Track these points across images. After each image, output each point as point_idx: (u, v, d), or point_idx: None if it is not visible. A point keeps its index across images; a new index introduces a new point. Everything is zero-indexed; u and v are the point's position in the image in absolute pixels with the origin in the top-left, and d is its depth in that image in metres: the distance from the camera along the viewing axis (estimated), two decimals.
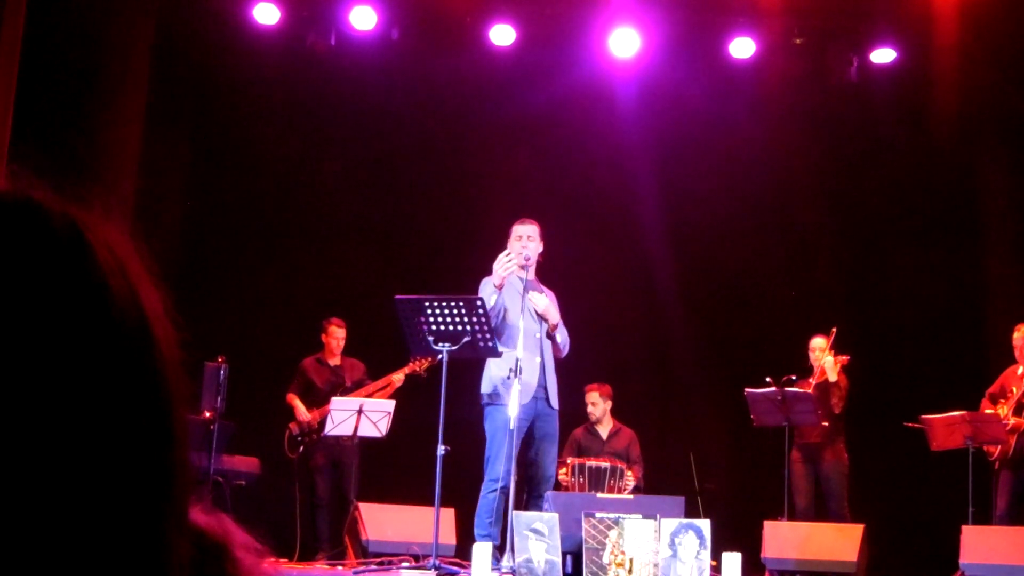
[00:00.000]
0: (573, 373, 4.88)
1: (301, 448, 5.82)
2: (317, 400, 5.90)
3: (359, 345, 6.10)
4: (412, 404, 5.66)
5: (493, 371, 4.32)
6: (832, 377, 5.69)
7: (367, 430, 5.43)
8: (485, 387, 4.39)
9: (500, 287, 4.17)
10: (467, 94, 6.79)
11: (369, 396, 5.73)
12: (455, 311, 4.01)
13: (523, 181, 6.81)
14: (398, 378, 5.85)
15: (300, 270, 6.82)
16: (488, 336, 4.03)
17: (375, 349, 5.92)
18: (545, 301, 4.35)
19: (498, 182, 6.85)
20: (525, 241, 4.46)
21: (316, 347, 6.14)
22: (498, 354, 4.19)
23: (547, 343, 4.42)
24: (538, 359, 4.33)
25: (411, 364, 5.78)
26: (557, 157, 6.95)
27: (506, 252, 4.19)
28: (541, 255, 4.52)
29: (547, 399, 4.35)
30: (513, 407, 3.97)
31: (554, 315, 4.36)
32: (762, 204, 6.88)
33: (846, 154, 6.81)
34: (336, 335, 6.08)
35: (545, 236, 4.56)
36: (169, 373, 0.54)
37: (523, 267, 4.32)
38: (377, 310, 5.53)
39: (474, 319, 4.00)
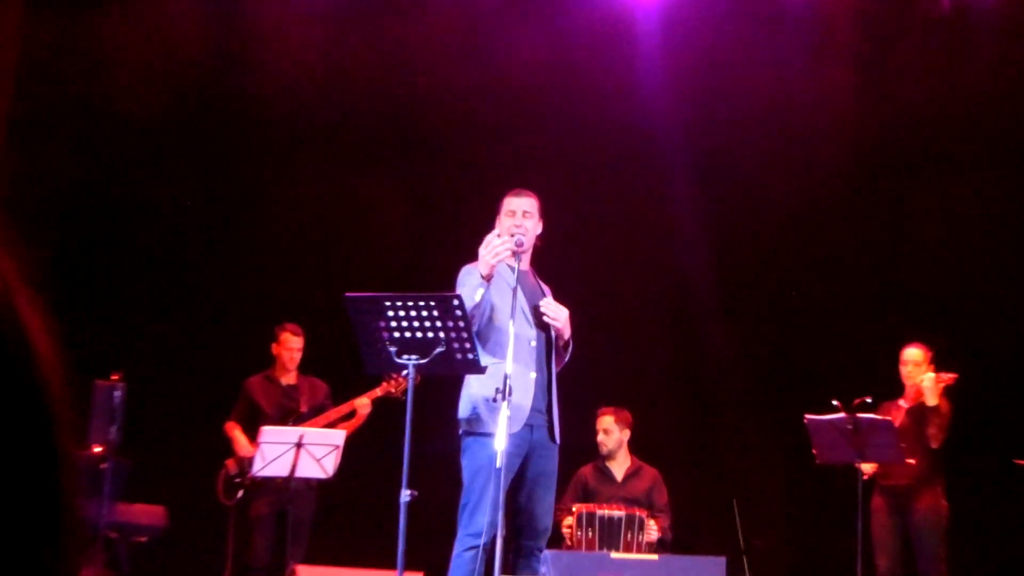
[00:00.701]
0: (577, 395, 4.83)
1: (240, 493, 5.87)
2: (262, 428, 5.85)
3: (322, 360, 6.17)
4: (369, 435, 5.66)
5: (475, 390, 4.21)
6: (931, 401, 5.62)
7: (308, 470, 5.36)
8: (464, 411, 4.28)
9: (488, 278, 4.06)
10: (443, 38, 6.83)
11: (330, 426, 5.73)
12: (425, 313, 3.88)
13: (518, 149, 6.86)
14: (362, 403, 5.87)
15: (240, 265, 6.91)
16: (468, 346, 3.91)
17: (342, 365, 5.87)
18: (564, 315, 4.27)
19: (485, 150, 6.92)
20: (519, 219, 4.35)
21: (265, 362, 6.16)
22: (481, 369, 4.07)
23: (546, 354, 4.32)
24: (533, 375, 4.22)
25: (385, 384, 5.81)
26: (560, 117, 7.01)
27: (496, 232, 4.09)
28: (539, 238, 4.41)
29: (548, 428, 4.27)
30: (500, 438, 3.85)
31: (567, 328, 4.30)
32: (826, 181, 6.89)
33: (935, 115, 6.78)
34: (290, 345, 6.09)
35: (546, 214, 4.46)
36: (53, 398, 0.55)
37: (515, 254, 4.17)
38: (341, 315, 5.56)
39: (450, 323, 3.87)
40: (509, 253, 3.98)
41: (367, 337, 3.93)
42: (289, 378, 6.17)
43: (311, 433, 5.46)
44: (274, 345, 6.21)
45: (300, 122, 7.02)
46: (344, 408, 5.95)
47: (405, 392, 5.59)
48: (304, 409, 6.00)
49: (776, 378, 6.84)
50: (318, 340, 6.19)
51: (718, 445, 6.94)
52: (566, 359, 4.36)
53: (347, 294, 3.96)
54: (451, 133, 6.97)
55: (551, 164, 6.75)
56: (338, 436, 5.44)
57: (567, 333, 4.27)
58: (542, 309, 4.21)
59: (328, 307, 6.14)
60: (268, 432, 5.42)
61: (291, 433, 5.42)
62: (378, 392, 5.94)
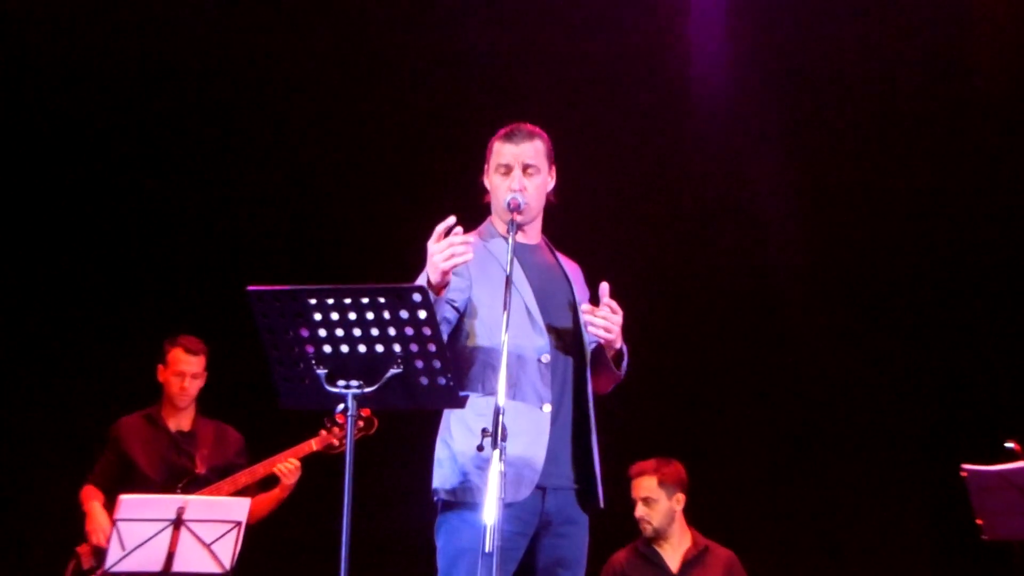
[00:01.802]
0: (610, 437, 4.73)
1: None
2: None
3: (241, 392, 6.37)
4: (297, 503, 5.91)
5: (471, 447, 4.06)
6: None
7: (193, 562, 5.31)
8: (441, 473, 4.21)
9: (439, 290, 3.93)
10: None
11: (236, 492, 5.85)
12: (371, 315, 3.77)
13: (514, 89, 7.23)
14: (287, 467, 5.97)
15: (111, 249, 7.33)
16: (439, 364, 3.81)
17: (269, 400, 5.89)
18: (619, 321, 4.15)
19: (475, 87, 7.30)
20: (517, 174, 4.28)
21: (146, 394, 6.24)
22: (459, 400, 3.92)
23: (574, 375, 4.28)
24: (548, 407, 4.18)
25: (325, 432, 5.98)
26: (571, 47, 7.44)
27: (444, 227, 3.88)
28: (553, 194, 4.37)
29: (580, 493, 4.24)
30: (491, 507, 3.73)
31: (619, 337, 4.21)
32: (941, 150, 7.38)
33: None
34: (182, 368, 6.17)
35: (561, 164, 4.41)
36: None
37: (515, 221, 4.15)
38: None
39: (409, 330, 3.77)
40: (469, 256, 3.88)
41: (282, 353, 3.82)
42: (181, 420, 6.20)
43: (197, 504, 5.34)
44: (160, 368, 6.23)
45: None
46: (260, 470, 6.00)
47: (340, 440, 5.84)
48: (202, 470, 6.05)
49: (913, 410, 7.15)
50: (235, 362, 6.28)
51: (824, 511, 7.13)
52: (621, 376, 4.34)
53: (251, 288, 3.82)
54: (419, 62, 7.55)
55: (560, 105, 7.20)
56: (238, 507, 5.36)
57: (619, 343, 4.24)
58: (585, 318, 4.14)
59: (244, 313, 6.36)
60: (128, 504, 5.28)
61: (166, 505, 5.29)
62: (313, 445, 5.99)
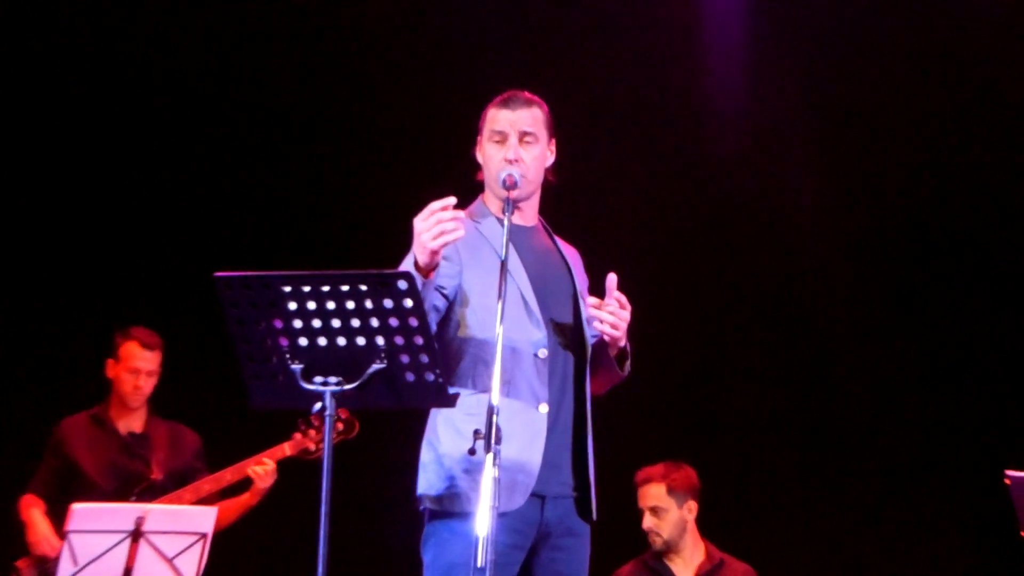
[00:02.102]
0: (611, 434, 4.76)
1: None
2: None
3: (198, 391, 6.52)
4: (270, 513, 6.02)
5: (459, 449, 4.12)
6: None
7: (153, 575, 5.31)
8: (426, 478, 4.23)
9: (428, 272, 3.92)
10: None
11: (200, 503, 5.87)
12: (351, 304, 3.77)
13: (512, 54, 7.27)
14: (261, 470, 6.01)
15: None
16: (426, 358, 3.80)
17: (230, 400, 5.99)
18: (626, 317, 4.18)
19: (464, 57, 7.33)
20: (513, 143, 4.27)
21: (92, 394, 6.29)
22: (448, 399, 3.95)
23: (574, 372, 4.30)
24: (544, 408, 4.19)
25: (299, 435, 6.03)
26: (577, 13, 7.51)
27: (442, 206, 3.85)
28: (552, 171, 4.36)
29: (578, 500, 4.27)
30: (484, 517, 3.74)
31: (624, 335, 4.24)
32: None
33: None
34: (136, 364, 6.17)
35: (561, 137, 4.41)
36: None
37: (511, 199, 4.15)
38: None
39: (394, 321, 3.76)
40: (460, 233, 3.88)
41: (253, 347, 3.82)
42: (132, 421, 6.19)
43: (158, 515, 5.34)
44: (110, 364, 6.22)
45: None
46: (228, 476, 5.99)
47: (318, 444, 5.93)
48: (158, 475, 6.05)
49: (951, 414, 7.17)
50: (191, 356, 6.33)
51: (852, 521, 7.16)
52: (624, 377, 4.36)
53: (218, 274, 3.81)
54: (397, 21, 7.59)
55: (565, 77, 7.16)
56: (204, 518, 5.36)
57: (624, 340, 4.26)
58: (591, 312, 4.15)
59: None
60: (82, 514, 5.28)
61: (123, 514, 5.27)
62: (287, 449, 6.00)
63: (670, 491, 6.09)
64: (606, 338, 4.18)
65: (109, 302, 6.92)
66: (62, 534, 5.58)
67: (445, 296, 4.12)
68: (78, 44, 7.47)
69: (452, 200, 3.86)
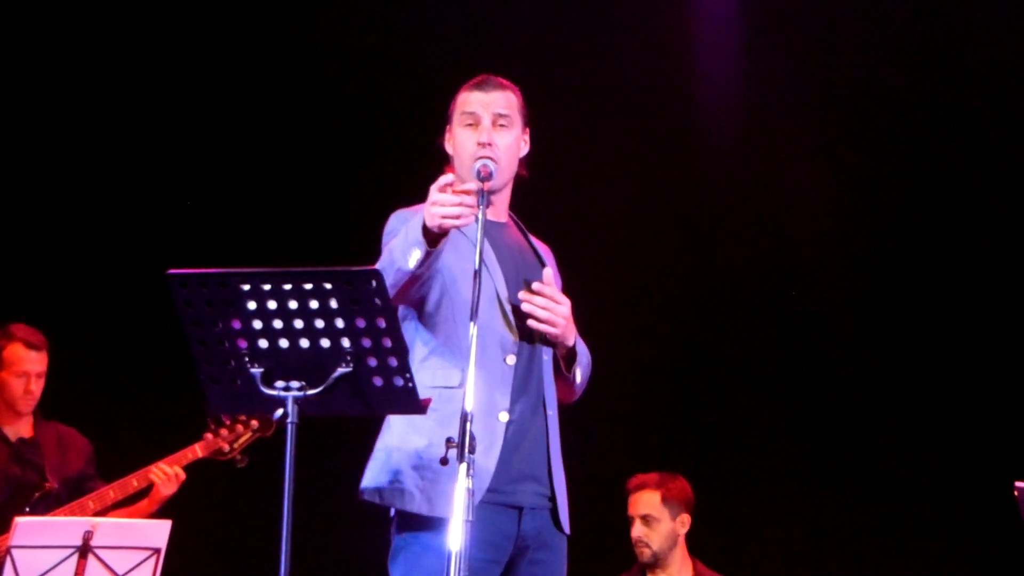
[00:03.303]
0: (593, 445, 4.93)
1: None
2: None
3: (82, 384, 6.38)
4: (224, 518, 5.86)
5: (409, 442, 4.11)
6: None
7: None
8: (370, 471, 4.18)
9: (435, 241, 3.91)
10: None
11: (103, 512, 5.79)
12: (315, 303, 3.74)
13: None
14: (163, 474, 5.88)
15: None
16: (395, 362, 3.77)
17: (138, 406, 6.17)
18: (563, 311, 4.13)
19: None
20: (486, 125, 4.21)
21: None
22: (419, 406, 3.87)
23: (546, 377, 4.24)
24: (504, 416, 4.13)
25: (210, 435, 5.90)
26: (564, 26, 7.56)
27: (447, 180, 3.90)
28: (525, 162, 4.29)
29: (551, 509, 4.22)
30: (457, 527, 3.72)
31: (571, 332, 4.19)
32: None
33: None
34: (23, 366, 6.03)
35: (536, 126, 4.34)
36: None
37: (485, 192, 4.03)
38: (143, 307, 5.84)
39: (361, 322, 3.74)
40: (471, 218, 3.89)
41: (209, 350, 3.78)
42: (21, 426, 6.06)
43: (107, 528, 5.25)
44: None
45: None
46: (134, 483, 5.87)
47: (243, 450, 5.75)
48: (54, 484, 5.92)
49: (957, 423, 7.18)
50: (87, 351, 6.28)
51: (853, 537, 7.15)
52: (577, 389, 4.32)
53: (171, 272, 3.77)
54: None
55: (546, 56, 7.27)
56: (157, 532, 5.29)
57: (572, 340, 4.20)
58: (521, 297, 4.11)
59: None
60: (26, 528, 5.24)
61: (70, 529, 5.20)
62: (198, 451, 5.88)
63: (664, 500, 6.06)
64: (546, 334, 4.10)
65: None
66: None
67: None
68: (35, 35, 7.44)
69: (478, 184, 3.89)
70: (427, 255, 3.89)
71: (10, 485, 5.98)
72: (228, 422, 5.90)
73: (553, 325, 4.06)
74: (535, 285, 4.10)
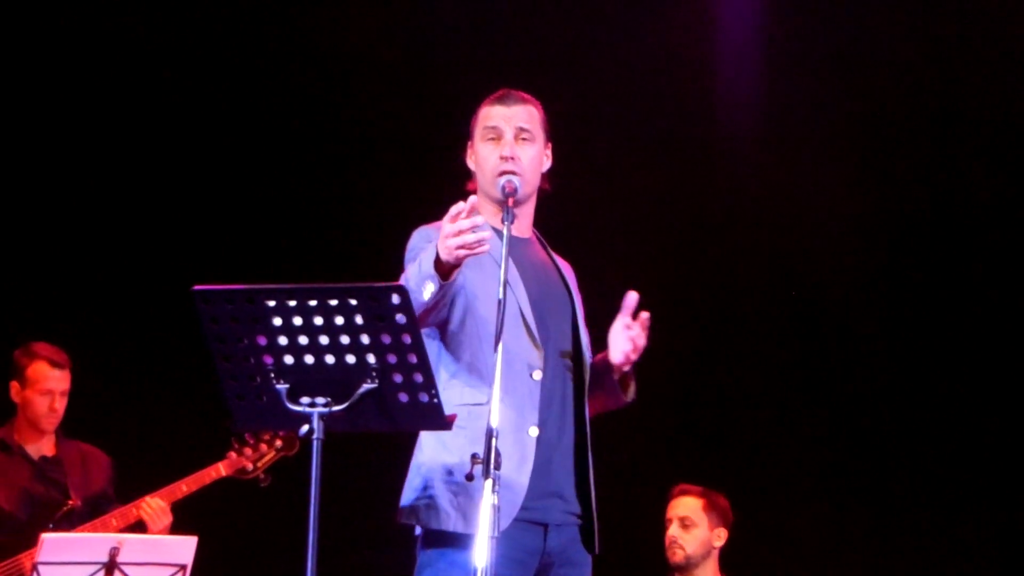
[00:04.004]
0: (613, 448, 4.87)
1: None
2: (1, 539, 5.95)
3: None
4: (250, 534, 5.88)
5: (440, 460, 4.11)
6: None
7: None
8: (410, 498, 4.15)
9: (448, 272, 3.89)
10: None
11: (127, 529, 5.79)
12: (340, 319, 3.73)
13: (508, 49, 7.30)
14: (153, 509, 5.86)
15: None
16: (421, 378, 3.76)
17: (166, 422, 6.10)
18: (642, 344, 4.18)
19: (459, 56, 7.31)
20: (509, 139, 4.20)
21: None
22: (445, 422, 3.86)
23: (574, 396, 4.23)
24: (535, 431, 4.12)
25: (234, 454, 5.92)
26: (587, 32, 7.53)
27: (464, 208, 3.82)
28: (547, 177, 4.29)
29: (580, 526, 4.21)
30: (482, 548, 3.71)
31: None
32: None
33: None
34: (47, 384, 6.01)
35: (557, 142, 4.34)
36: None
37: (510, 208, 4.06)
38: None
39: (386, 338, 3.72)
40: (485, 247, 3.86)
41: (234, 366, 3.77)
42: (43, 444, 6.04)
43: (134, 545, 5.24)
44: (14, 387, 6.04)
45: None
46: (153, 504, 5.87)
47: (267, 469, 5.66)
48: (76, 502, 5.91)
49: (987, 430, 7.20)
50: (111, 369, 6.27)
51: (883, 553, 7.14)
52: (629, 402, 4.32)
53: (196, 288, 3.76)
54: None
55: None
56: (183, 547, 5.28)
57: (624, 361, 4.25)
58: (622, 335, 4.12)
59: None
60: (53, 545, 5.20)
61: (97, 545, 5.18)
62: (222, 470, 5.87)
63: (706, 509, 6.05)
64: (617, 362, 4.13)
65: (2, 316, 6.81)
66: None
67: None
68: (45, 39, 7.43)
69: (473, 200, 3.81)
70: (440, 287, 3.89)
71: (33, 503, 5.97)
72: (252, 441, 5.90)
73: (636, 352, 4.12)
74: (641, 318, 4.10)
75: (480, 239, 3.80)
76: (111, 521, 5.87)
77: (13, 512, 5.93)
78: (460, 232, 3.75)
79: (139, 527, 5.93)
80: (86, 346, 6.38)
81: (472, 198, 3.82)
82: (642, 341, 4.13)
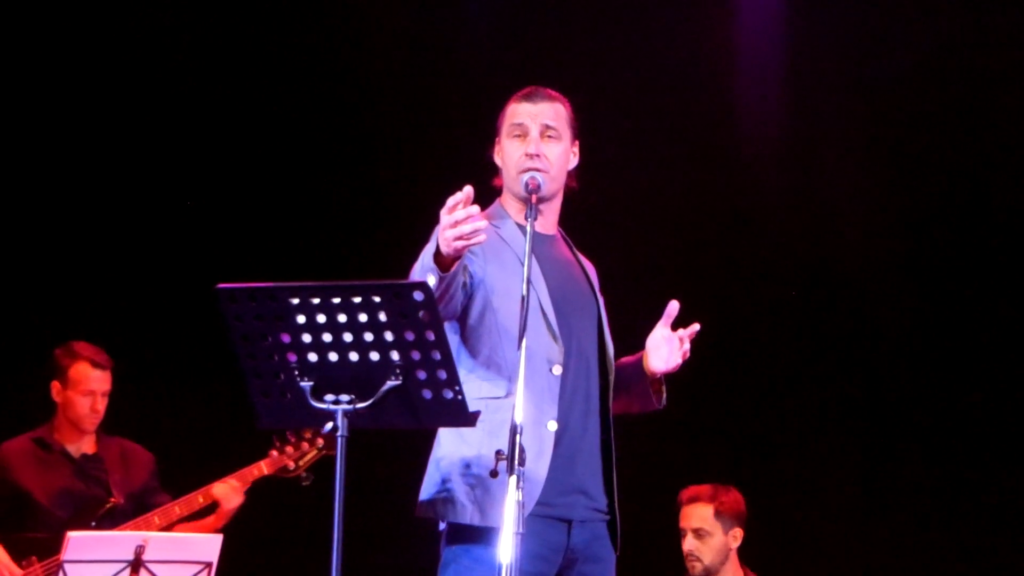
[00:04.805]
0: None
1: None
2: (40, 537, 5.88)
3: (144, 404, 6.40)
4: (276, 538, 5.89)
5: (458, 453, 4.13)
6: None
7: None
8: (424, 484, 4.18)
9: (448, 265, 3.89)
10: None
11: (168, 527, 5.80)
12: (364, 316, 3.72)
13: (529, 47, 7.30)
14: (227, 489, 5.90)
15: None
16: (444, 375, 3.76)
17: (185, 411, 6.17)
18: (667, 357, 4.25)
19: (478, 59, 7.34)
20: (535, 141, 4.21)
21: (36, 414, 6.20)
22: (469, 418, 3.87)
23: (599, 394, 4.25)
24: (553, 425, 4.12)
25: (275, 452, 5.92)
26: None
27: (463, 196, 3.80)
28: (574, 175, 4.29)
29: (607, 522, 4.24)
30: (507, 543, 3.70)
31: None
32: None
33: None
34: (88, 385, 6.02)
35: (584, 137, 4.35)
36: None
37: (535, 204, 4.07)
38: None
39: (408, 334, 3.72)
40: (481, 237, 3.83)
41: (259, 364, 3.77)
42: (83, 443, 6.04)
43: (159, 542, 5.24)
44: (55, 386, 6.03)
45: None
46: (199, 499, 5.87)
47: (309, 470, 5.50)
48: (119, 499, 5.93)
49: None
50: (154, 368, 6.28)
51: (906, 548, 7.12)
52: (660, 408, 4.35)
53: (221, 286, 3.76)
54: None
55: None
56: (209, 545, 5.26)
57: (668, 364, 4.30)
58: (666, 345, 4.21)
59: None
60: (78, 543, 5.19)
61: (122, 543, 5.18)
62: (264, 468, 5.90)
63: (717, 514, 6.00)
64: (657, 370, 4.17)
65: (42, 315, 6.81)
66: (22, 566, 5.64)
67: (467, 285, 4.07)
68: (59, 40, 7.44)
69: (469, 191, 3.77)
70: (441, 280, 3.88)
71: (74, 501, 5.96)
72: (293, 439, 5.91)
73: (675, 365, 4.17)
74: (681, 332, 4.16)
75: (476, 229, 3.77)
76: (153, 519, 5.87)
77: (54, 510, 5.92)
78: (456, 223, 3.74)
79: (179, 526, 5.93)
80: (127, 345, 6.41)
81: (467, 187, 3.80)
82: (687, 352, 4.18)
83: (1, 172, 7.34)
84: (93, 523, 5.83)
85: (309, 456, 5.84)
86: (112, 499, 5.95)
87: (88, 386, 5.97)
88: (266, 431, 5.80)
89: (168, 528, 5.83)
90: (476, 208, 3.81)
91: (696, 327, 4.21)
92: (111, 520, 5.87)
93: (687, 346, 4.19)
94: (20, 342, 6.66)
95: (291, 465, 5.92)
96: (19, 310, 6.91)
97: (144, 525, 5.81)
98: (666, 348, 4.17)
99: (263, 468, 5.95)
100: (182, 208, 7.39)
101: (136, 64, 7.45)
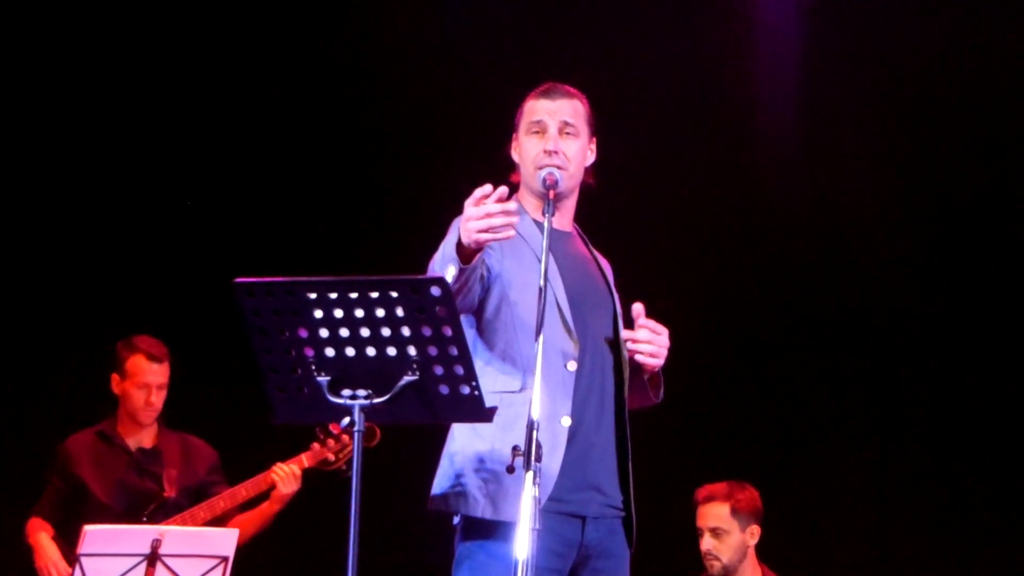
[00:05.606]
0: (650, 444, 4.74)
1: None
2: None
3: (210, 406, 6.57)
4: (293, 530, 6.10)
5: (472, 447, 4.12)
6: None
7: None
8: (437, 478, 4.18)
9: (469, 256, 3.89)
10: None
11: (218, 522, 5.86)
12: (381, 311, 3.73)
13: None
14: (285, 473, 5.94)
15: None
16: (461, 370, 3.77)
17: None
18: (664, 344, 4.19)
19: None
20: (553, 133, 4.21)
21: (98, 409, 6.25)
22: (486, 414, 3.87)
23: (614, 391, 4.24)
24: (567, 421, 4.12)
25: (318, 445, 6.00)
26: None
27: (488, 191, 3.83)
28: (591, 172, 4.30)
29: (623, 519, 4.23)
30: (523, 539, 3.70)
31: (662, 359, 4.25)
32: None
33: None
34: (145, 378, 6.06)
35: (601, 134, 4.35)
36: None
37: (552, 201, 4.06)
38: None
39: (427, 330, 3.73)
40: (510, 232, 3.85)
41: (276, 358, 3.78)
42: (143, 436, 6.09)
43: (175, 536, 5.26)
44: (115, 379, 6.09)
45: None
46: (243, 492, 5.92)
47: (348, 462, 5.75)
48: (171, 493, 5.96)
49: None
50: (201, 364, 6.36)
51: (928, 546, 7.12)
52: (657, 403, 4.33)
53: (238, 280, 3.78)
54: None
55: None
56: (225, 540, 5.28)
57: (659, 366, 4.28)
58: (625, 337, 4.16)
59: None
60: (94, 537, 5.20)
61: (138, 537, 5.21)
62: (305, 461, 5.95)
63: (734, 512, 5.98)
64: (645, 366, 4.14)
65: (108, 310, 6.86)
66: (71, 559, 5.59)
67: (483, 279, 4.07)
68: (81, 40, 7.46)
69: (504, 190, 3.78)
70: (461, 272, 3.88)
71: (128, 494, 6.01)
72: (335, 432, 5.94)
73: (656, 356, 4.11)
74: (640, 321, 4.10)
75: (508, 223, 3.78)
76: (199, 513, 5.92)
77: (109, 503, 5.97)
78: (488, 215, 3.74)
79: (221, 521, 5.96)
80: (186, 339, 6.45)
81: (502, 187, 3.81)
82: (662, 340, 4.14)
83: (71, 178, 7.43)
84: (144, 516, 5.87)
85: (350, 449, 5.79)
86: (164, 493, 5.99)
87: (143, 378, 6.00)
88: (310, 426, 5.87)
89: (231, 512, 5.89)
90: (513, 205, 3.82)
91: (638, 305, 4.16)
92: (163, 513, 5.91)
93: (662, 333, 4.14)
94: (92, 335, 6.71)
95: (332, 458, 5.96)
96: (96, 305, 7.01)
97: (189, 519, 5.86)
98: (640, 344, 4.14)
99: (304, 461, 5.98)
100: (244, 201, 7.48)
101: (168, 66, 7.51)
